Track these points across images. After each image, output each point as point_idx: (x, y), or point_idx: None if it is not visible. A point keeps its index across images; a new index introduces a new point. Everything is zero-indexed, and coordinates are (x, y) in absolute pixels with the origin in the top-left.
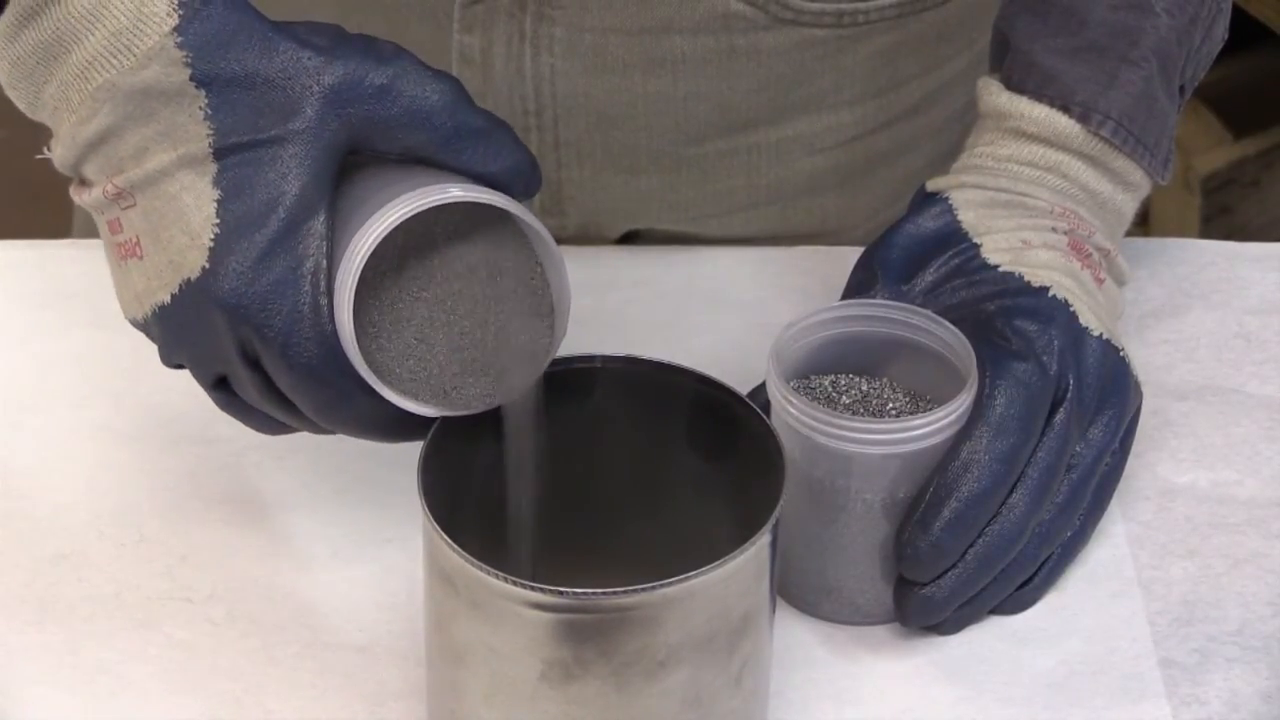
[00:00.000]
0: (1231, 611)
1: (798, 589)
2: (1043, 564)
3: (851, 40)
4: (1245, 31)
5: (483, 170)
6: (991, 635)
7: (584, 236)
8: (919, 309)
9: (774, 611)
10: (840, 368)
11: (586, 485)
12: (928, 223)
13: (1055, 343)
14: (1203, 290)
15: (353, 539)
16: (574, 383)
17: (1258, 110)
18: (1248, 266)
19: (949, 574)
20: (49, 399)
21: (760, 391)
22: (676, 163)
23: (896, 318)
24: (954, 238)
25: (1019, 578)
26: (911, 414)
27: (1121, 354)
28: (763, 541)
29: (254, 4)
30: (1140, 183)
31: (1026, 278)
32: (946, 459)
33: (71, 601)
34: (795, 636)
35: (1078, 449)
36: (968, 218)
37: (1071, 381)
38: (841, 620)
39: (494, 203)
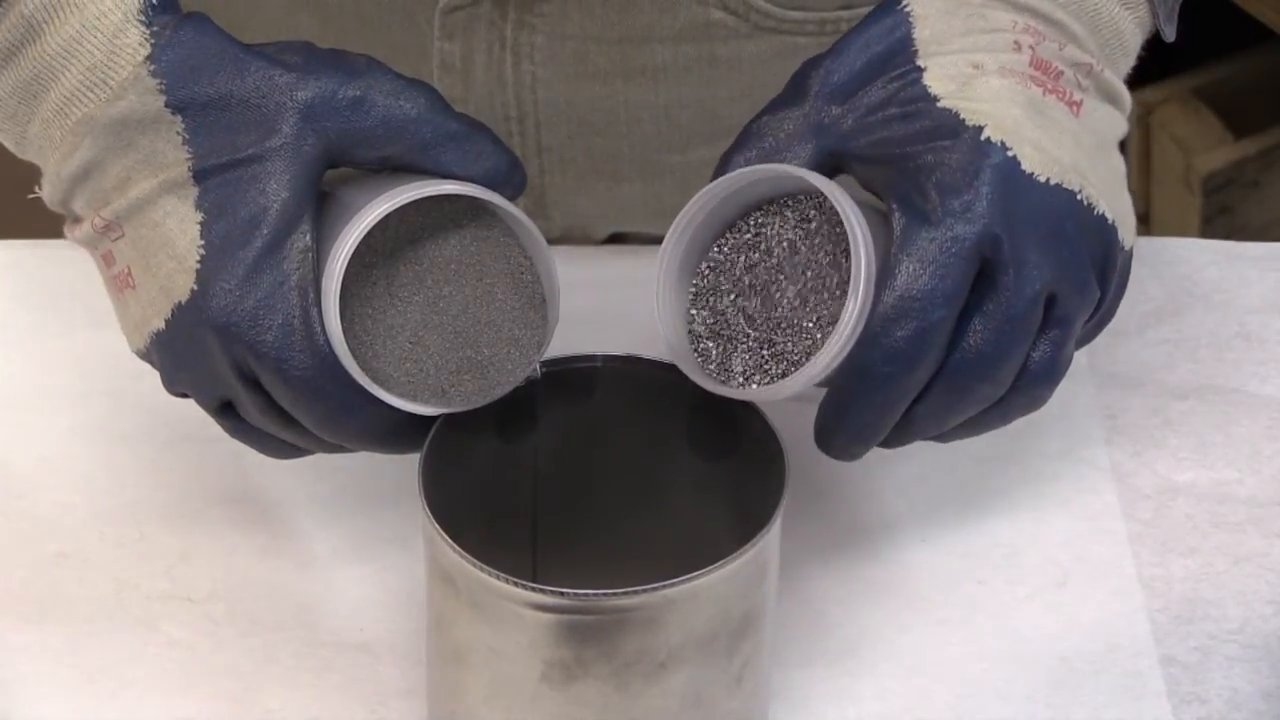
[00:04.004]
0: (1232, 610)
1: None
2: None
3: None
4: (1245, 31)
5: (464, 174)
6: (991, 635)
7: (569, 240)
8: (801, 170)
9: (774, 611)
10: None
11: (586, 485)
12: (879, 34)
13: (981, 204)
14: (1203, 290)
15: (353, 538)
16: (574, 383)
17: (1258, 110)
18: (1248, 266)
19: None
20: (49, 399)
21: None
22: (660, 170)
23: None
24: (900, 57)
25: (974, 427)
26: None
27: (1079, 196)
28: (764, 541)
29: (235, 16)
30: None
31: (963, 116)
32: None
33: (71, 601)
34: (795, 635)
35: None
36: (923, 34)
37: (1006, 242)
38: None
39: (475, 194)
